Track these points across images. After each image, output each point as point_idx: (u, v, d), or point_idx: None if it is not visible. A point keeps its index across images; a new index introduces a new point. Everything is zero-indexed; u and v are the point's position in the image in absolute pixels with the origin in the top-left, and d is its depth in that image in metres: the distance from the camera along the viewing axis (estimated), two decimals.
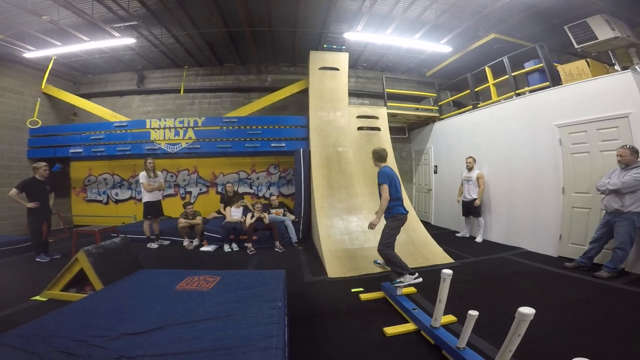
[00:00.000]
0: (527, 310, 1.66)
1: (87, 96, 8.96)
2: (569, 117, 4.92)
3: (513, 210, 5.89)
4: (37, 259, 5.11)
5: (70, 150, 7.76)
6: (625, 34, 5.67)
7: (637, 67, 5.49)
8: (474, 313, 2.07)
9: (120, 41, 6.73)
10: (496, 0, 5.78)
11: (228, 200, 6.78)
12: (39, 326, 2.19)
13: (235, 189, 8.05)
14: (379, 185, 3.69)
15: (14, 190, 4.95)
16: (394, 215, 3.75)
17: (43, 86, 8.13)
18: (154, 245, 6.07)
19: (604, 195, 4.08)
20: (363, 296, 3.44)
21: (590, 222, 4.56)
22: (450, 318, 2.83)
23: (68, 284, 3.53)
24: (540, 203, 5.36)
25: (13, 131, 7.48)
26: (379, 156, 3.93)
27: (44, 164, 5.32)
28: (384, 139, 7.35)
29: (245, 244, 5.75)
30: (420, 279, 3.48)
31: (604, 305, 3.19)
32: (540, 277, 4.15)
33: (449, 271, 2.40)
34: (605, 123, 4.45)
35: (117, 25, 6.53)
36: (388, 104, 8.29)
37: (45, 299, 3.47)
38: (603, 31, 5.69)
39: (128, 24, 6.58)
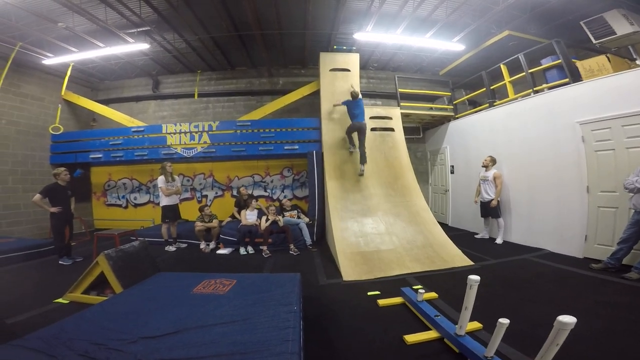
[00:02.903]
0: (568, 319, 1.56)
1: (104, 102, 9.22)
2: (591, 113, 4.73)
3: (534, 211, 5.69)
4: (60, 262, 5.23)
5: (91, 156, 7.98)
6: None
7: None
8: (504, 321, 1.95)
9: (134, 47, 6.90)
10: None
11: (243, 203, 6.82)
12: (59, 329, 2.23)
13: (250, 192, 8.11)
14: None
15: (37, 196, 5.10)
16: (352, 123, 6.54)
17: (63, 92, 8.39)
18: (172, 248, 6.16)
19: (632, 194, 3.89)
20: (381, 301, 3.34)
21: (617, 222, 4.36)
22: (476, 325, 2.70)
23: (89, 287, 3.61)
24: (563, 202, 5.16)
25: (36, 137, 7.74)
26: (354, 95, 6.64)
27: (63, 169, 5.47)
28: (398, 140, 7.25)
29: (261, 247, 5.75)
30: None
31: (636, 308, 3.03)
32: (566, 279, 3.99)
33: (475, 277, 2.27)
34: (631, 119, 4.25)
35: (130, 30, 6.69)
36: (401, 104, 8.18)
37: (67, 302, 3.55)
38: (622, 26, 5.52)
39: (141, 29, 6.73)
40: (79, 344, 2.02)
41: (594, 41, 5.90)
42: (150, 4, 6.04)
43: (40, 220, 7.08)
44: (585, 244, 4.78)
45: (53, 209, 5.15)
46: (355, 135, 6.75)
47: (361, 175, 6.41)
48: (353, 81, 7.64)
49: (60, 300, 3.58)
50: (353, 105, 6.62)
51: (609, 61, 4.99)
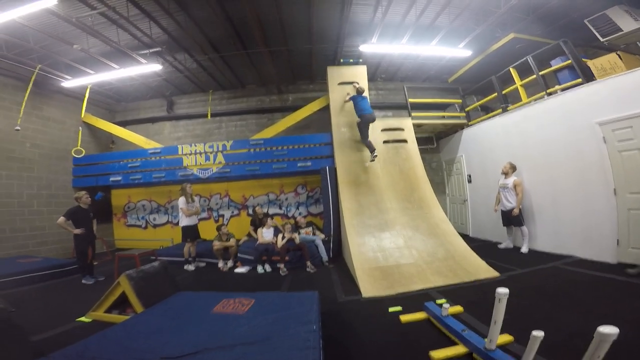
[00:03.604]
0: (609, 330, 1.45)
1: (122, 124, 9.56)
2: (610, 113, 4.57)
3: (559, 217, 5.47)
4: (83, 281, 5.40)
5: (111, 179, 8.22)
6: None
7: None
8: (538, 334, 1.85)
9: (147, 67, 7.15)
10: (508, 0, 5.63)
11: (258, 222, 6.84)
12: (83, 347, 2.28)
13: (265, 210, 8.13)
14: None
15: (62, 219, 5.33)
16: (360, 117, 6.79)
17: (83, 115, 8.73)
18: (191, 267, 6.23)
19: None
20: (403, 317, 3.22)
21: None
22: (506, 338, 2.56)
23: (111, 306, 3.67)
24: (590, 207, 4.94)
25: (58, 161, 8.04)
26: (360, 91, 7.04)
27: (84, 192, 5.72)
28: (412, 151, 7.17)
29: (278, 265, 5.71)
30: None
31: None
32: (601, 286, 3.79)
33: (504, 290, 2.17)
34: None
35: (142, 51, 6.94)
36: (412, 114, 8.14)
37: (90, 320, 3.61)
38: (626, 22, 5.44)
39: (152, 50, 6.97)
40: None
41: (601, 39, 5.80)
42: (159, 24, 6.28)
43: (65, 240, 7.26)
44: (618, 248, 4.53)
45: (76, 231, 5.37)
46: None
47: (373, 161, 6.69)
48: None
49: (83, 318, 3.65)
50: (360, 100, 6.89)
51: (621, 59, 4.87)
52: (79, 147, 8.38)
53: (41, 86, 7.54)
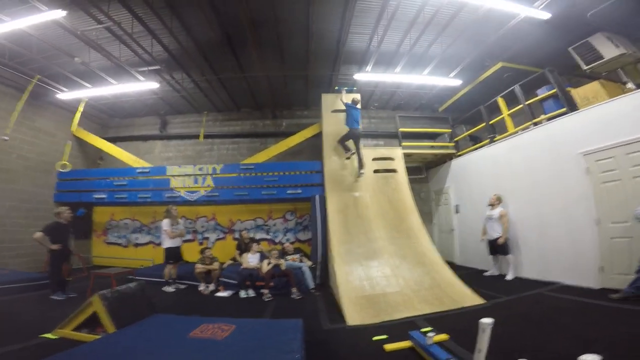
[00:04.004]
0: (591, 358, 1.42)
1: (113, 140, 9.45)
2: (593, 143, 4.73)
3: (544, 245, 5.51)
4: (52, 297, 5.19)
5: (95, 196, 8.03)
6: (630, 50, 5.58)
7: None
8: None
9: (145, 85, 7.24)
10: (498, 29, 5.92)
11: (244, 247, 6.72)
12: None
13: (252, 235, 7.99)
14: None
15: (40, 234, 5.16)
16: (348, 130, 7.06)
17: (74, 128, 8.63)
18: (171, 289, 6.01)
19: None
20: (388, 346, 3.11)
21: (633, 251, 4.17)
22: None
23: (80, 324, 3.49)
24: (574, 236, 5.00)
25: (43, 174, 7.83)
26: (355, 101, 7.25)
27: (66, 208, 5.59)
28: (401, 181, 7.26)
29: (262, 291, 5.55)
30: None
31: None
32: (586, 311, 3.78)
33: (488, 320, 2.15)
34: (634, 146, 4.24)
35: (141, 69, 7.06)
36: (403, 143, 8.29)
37: (56, 337, 3.43)
38: (608, 49, 5.62)
39: (152, 68, 7.09)
40: None
41: (584, 67, 6.00)
42: (161, 42, 6.44)
43: (38, 254, 6.91)
44: (602, 274, 4.56)
45: (53, 247, 5.22)
46: (350, 143, 7.25)
47: (360, 176, 6.84)
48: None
49: (47, 335, 3.47)
50: (354, 111, 7.11)
51: (603, 87, 5.08)
52: (65, 162, 8.22)
53: (36, 97, 7.49)
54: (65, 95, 7.55)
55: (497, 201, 6.21)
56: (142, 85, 7.29)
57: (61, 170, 8.14)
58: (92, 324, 3.44)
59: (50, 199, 7.97)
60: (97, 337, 3.13)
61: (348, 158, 7.11)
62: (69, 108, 8.49)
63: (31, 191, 7.52)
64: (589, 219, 4.73)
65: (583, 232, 4.84)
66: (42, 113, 7.92)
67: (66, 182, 8.22)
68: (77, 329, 3.48)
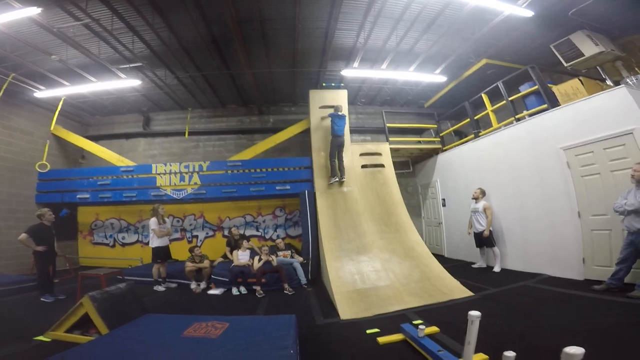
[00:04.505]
0: (575, 351, 1.47)
1: (94, 138, 9.18)
2: (573, 138, 4.91)
3: (529, 237, 5.71)
4: (41, 299, 5.10)
5: (78, 196, 7.80)
6: (609, 48, 5.80)
7: (628, 80, 5.53)
8: (510, 354, 1.87)
9: (126, 82, 7.04)
10: (483, 26, 6.03)
11: (234, 244, 6.68)
12: None
13: (242, 232, 7.95)
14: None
15: (24, 235, 5.07)
16: (332, 137, 6.99)
17: (52, 127, 8.33)
18: (161, 288, 5.95)
19: (623, 216, 3.95)
20: (381, 339, 3.18)
21: (613, 243, 4.38)
22: (481, 357, 2.56)
23: (72, 326, 3.44)
24: (557, 228, 5.20)
25: (22, 174, 7.53)
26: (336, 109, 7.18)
27: (47, 209, 5.47)
28: (389, 176, 7.34)
29: (254, 287, 5.55)
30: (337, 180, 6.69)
31: None
32: (569, 303, 3.93)
33: (476, 313, 2.20)
34: (610, 142, 4.43)
35: (122, 66, 6.84)
36: (390, 138, 8.37)
37: (49, 340, 3.38)
38: (588, 47, 5.82)
39: (133, 65, 6.88)
40: None
41: (565, 64, 6.21)
42: (142, 39, 6.26)
43: (22, 256, 6.75)
44: (584, 266, 4.76)
45: (38, 248, 5.14)
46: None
47: (342, 182, 6.85)
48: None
49: (41, 338, 3.40)
50: (337, 118, 7.09)
51: (582, 84, 5.24)
52: (44, 162, 7.93)
53: (11, 95, 7.20)
54: (42, 93, 7.26)
55: (480, 194, 6.39)
56: (123, 83, 7.08)
57: (40, 170, 7.85)
58: (84, 325, 3.40)
59: (32, 200, 7.68)
60: (91, 338, 3.09)
61: (330, 184, 6.95)
62: (47, 107, 8.17)
63: (9, 192, 7.22)
64: (571, 211, 4.92)
65: (565, 224, 5.03)
66: (18, 112, 7.61)
67: (47, 183, 7.93)
68: (70, 330, 3.43)
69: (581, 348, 1.49)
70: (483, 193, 6.41)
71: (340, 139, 6.97)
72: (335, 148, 6.95)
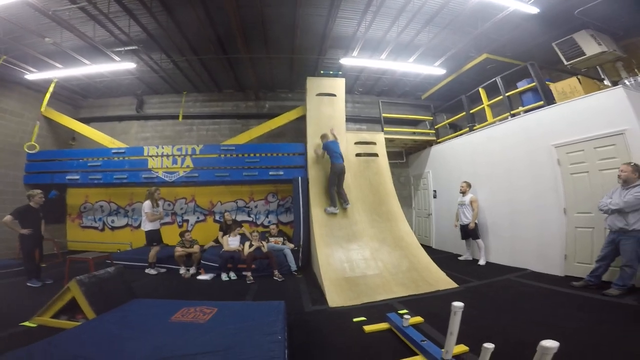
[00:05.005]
0: (550, 344, 1.54)
1: (86, 120, 9.00)
2: (565, 136, 4.96)
3: (516, 232, 5.81)
4: (28, 284, 5.04)
5: (67, 177, 7.68)
6: (611, 48, 5.81)
7: (626, 81, 5.56)
8: (489, 346, 1.94)
9: (121, 65, 6.87)
10: (485, 20, 5.96)
11: (227, 228, 6.69)
12: (27, 355, 2.13)
13: (234, 217, 7.95)
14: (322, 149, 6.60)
15: (8, 217, 4.96)
16: (331, 165, 6.33)
17: (43, 109, 8.16)
18: (153, 271, 5.99)
19: (607, 215, 4.04)
20: (367, 328, 3.26)
21: (595, 241, 4.49)
22: (462, 348, 2.66)
23: (59, 311, 3.43)
24: (543, 224, 5.29)
25: (11, 155, 7.41)
26: (323, 137, 6.69)
27: (39, 191, 5.36)
28: (382, 165, 7.34)
29: (244, 273, 5.59)
30: (337, 211, 6.05)
31: (618, 323, 3.10)
32: (549, 298, 4.04)
33: (459, 304, 2.26)
34: (601, 141, 4.49)
35: (117, 49, 6.68)
36: (385, 128, 8.36)
37: (35, 325, 3.37)
38: (590, 46, 5.82)
39: (128, 48, 6.73)
40: None
41: (565, 62, 6.21)
42: (139, 22, 6.10)
43: (9, 240, 6.59)
44: (565, 262, 4.88)
45: (23, 231, 5.03)
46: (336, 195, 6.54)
47: (346, 209, 6.32)
48: (338, 106, 7.74)
49: (27, 323, 3.39)
50: (332, 145, 6.53)
51: (580, 83, 5.27)
52: (32, 143, 7.77)
53: (1, 77, 7.05)
54: (33, 76, 7.09)
55: (468, 187, 6.49)
56: (117, 66, 6.91)
57: (28, 151, 7.70)
58: (71, 310, 3.38)
59: (20, 181, 7.56)
60: (77, 323, 3.08)
61: (328, 213, 6.21)
62: (38, 88, 7.99)
63: None
64: (558, 208, 5.01)
65: (551, 220, 5.13)
66: (8, 94, 7.46)
67: (36, 164, 7.79)
68: (56, 315, 3.42)
69: (556, 342, 1.55)
70: (469, 186, 6.52)
71: (342, 166, 6.32)
72: (336, 176, 6.32)
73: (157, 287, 5.23)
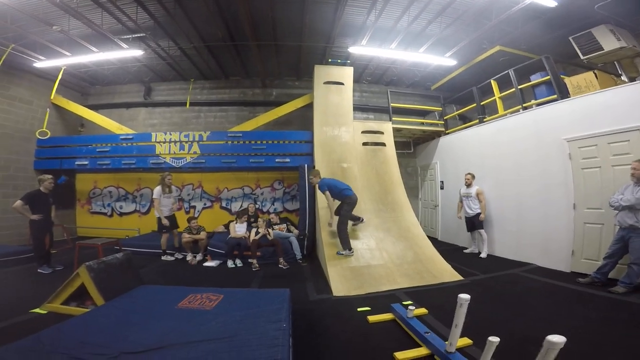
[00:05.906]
0: (557, 339, 1.53)
1: (94, 107, 9.06)
2: (578, 130, 4.84)
3: (522, 226, 5.75)
4: (39, 270, 5.08)
5: (76, 162, 7.80)
6: (631, 44, 5.60)
7: None
8: (494, 340, 1.93)
9: (128, 53, 6.89)
10: (501, 12, 5.77)
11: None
12: (36, 341, 2.16)
13: (240, 204, 8.01)
14: (322, 193, 5.30)
15: (19, 202, 4.96)
16: (344, 199, 5.21)
17: (52, 96, 8.24)
18: (170, 258, 6.09)
19: (617, 211, 3.97)
20: (371, 318, 3.28)
21: (603, 238, 4.43)
22: (466, 341, 2.67)
23: (69, 298, 3.48)
24: (551, 218, 5.23)
25: (21, 141, 7.54)
26: (315, 175, 5.51)
27: (50, 176, 5.37)
28: (389, 155, 7.28)
29: (250, 260, 5.65)
30: (352, 254, 5.03)
31: (623, 322, 3.08)
32: (554, 294, 4.02)
33: (466, 296, 2.25)
34: (616, 137, 4.37)
35: (125, 36, 6.67)
36: (393, 118, 8.26)
37: (45, 312, 3.41)
38: (609, 41, 5.62)
39: (136, 35, 6.72)
40: (57, 357, 1.96)
41: (581, 57, 6.02)
42: (147, 10, 6.06)
43: (21, 226, 6.75)
44: (572, 258, 4.84)
45: (33, 217, 5.02)
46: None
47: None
48: (346, 95, 7.66)
49: (37, 310, 3.44)
50: (335, 182, 5.50)
51: (596, 77, 5.12)
52: (44, 129, 7.90)
53: (12, 65, 7.13)
54: (42, 63, 7.14)
55: (473, 179, 6.42)
56: (125, 53, 6.92)
57: (40, 137, 7.83)
58: (80, 297, 3.44)
59: (30, 167, 7.71)
60: (87, 310, 3.12)
61: (340, 254, 5.06)
62: (47, 76, 8.04)
63: (9, 159, 7.26)
64: (567, 203, 4.93)
65: (560, 215, 5.06)
66: (18, 82, 7.54)
67: (46, 149, 7.93)
68: (66, 302, 3.46)
69: (563, 337, 1.54)
70: (474, 178, 6.45)
71: (354, 197, 5.27)
72: (350, 212, 5.31)
73: (165, 273, 5.31)
